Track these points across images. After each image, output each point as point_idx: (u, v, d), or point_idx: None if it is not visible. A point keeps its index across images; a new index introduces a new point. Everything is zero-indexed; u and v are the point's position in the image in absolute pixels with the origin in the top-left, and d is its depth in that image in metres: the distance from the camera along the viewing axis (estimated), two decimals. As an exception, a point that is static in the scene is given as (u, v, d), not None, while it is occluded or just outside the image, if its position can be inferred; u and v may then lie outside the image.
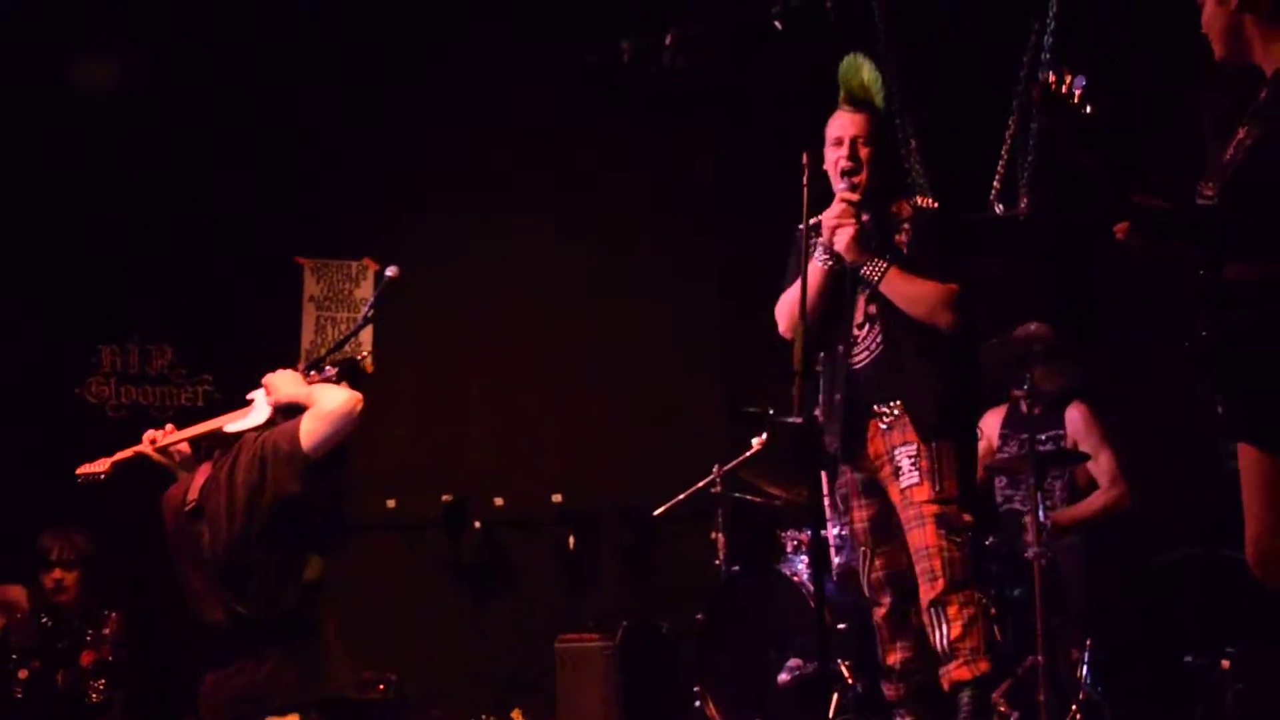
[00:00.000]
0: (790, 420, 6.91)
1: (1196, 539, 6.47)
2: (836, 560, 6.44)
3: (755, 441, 7.28)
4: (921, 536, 5.04)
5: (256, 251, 8.29)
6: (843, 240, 5.15)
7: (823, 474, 6.64)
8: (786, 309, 5.32)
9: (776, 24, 7.59)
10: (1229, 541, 5.16)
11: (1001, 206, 6.93)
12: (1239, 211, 3.72)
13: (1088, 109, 3.88)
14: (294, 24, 8.25)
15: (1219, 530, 6.23)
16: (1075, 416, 6.81)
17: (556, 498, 8.58)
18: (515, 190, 8.66)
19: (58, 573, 6.84)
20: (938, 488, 5.05)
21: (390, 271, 5.69)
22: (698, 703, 6.77)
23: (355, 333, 6.82)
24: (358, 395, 4.86)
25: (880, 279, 5.16)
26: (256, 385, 5.16)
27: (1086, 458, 6.71)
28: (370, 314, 6.01)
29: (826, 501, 6.72)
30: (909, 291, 5.15)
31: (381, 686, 7.49)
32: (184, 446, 5.23)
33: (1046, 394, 6.78)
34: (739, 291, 8.49)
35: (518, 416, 8.66)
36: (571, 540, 8.56)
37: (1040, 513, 5.90)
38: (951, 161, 5.49)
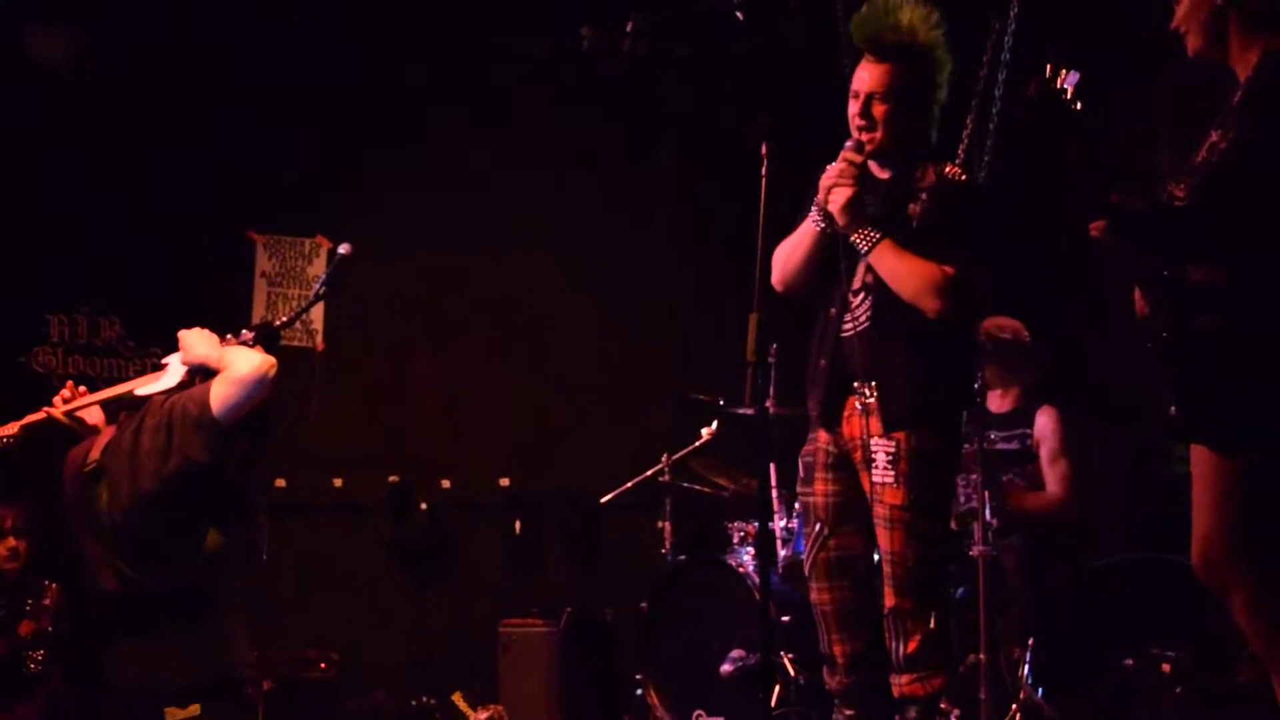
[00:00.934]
0: (741, 411, 6.98)
1: (1138, 542, 6.52)
2: (783, 552, 6.44)
3: (705, 431, 7.29)
4: (889, 540, 4.76)
5: (209, 225, 8.24)
6: (836, 202, 4.76)
7: (771, 466, 6.67)
8: (779, 261, 5.01)
9: (738, 14, 7.58)
10: (1170, 545, 5.20)
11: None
12: (1210, 214, 3.73)
13: (1078, 105, 3.88)
14: (252, 2, 8.19)
15: (1161, 534, 6.28)
16: (1044, 421, 6.83)
17: (504, 482, 8.57)
18: (470, 175, 8.64)
19: (11, 541, 6.77)
20: (913, 495, 4.72)
21: (343, 249, 5.65)
22: (639, 691, 6.78)
23: (306, 309, 6.77)
24: (271, 360, 4.73)
25: (869, 250, 4.75)
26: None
27: (1032, 457, 6.75)
28: (322, 291, 5.97)
29: (775, 494, 6.73)
30: (897, 268, 4.71)
31: (324, 666, 7.46)
32: (96, 411, 5.10)
33: (999, 391, 6.84)
34: (692, 280, 8.53)
35: (467, 399, 8.65)
36: (518, 525, 8.56)
37: (988, 511, 5.90)
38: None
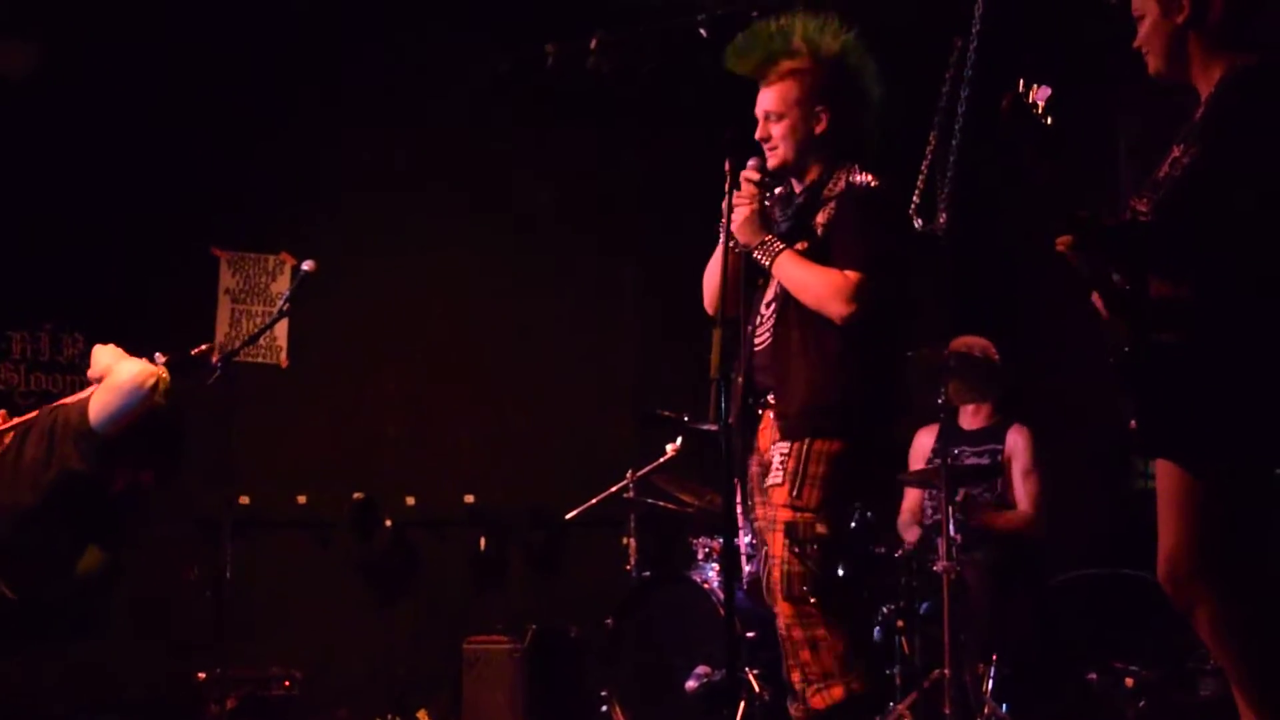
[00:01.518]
0: (705, 427, 6.98)
1: (1102, 557, 6.53)
2: (747, 569, 6.44)
3: (669, 447, 7.29)
4: (774, 542, 4.74)
5: (173, 243, 8.21)
6: (736, 221, 4.79)
7: (735, 482, 6.67)
8: (705, 284, 5.06)
9: (701, 31, 7.60)
10: (1134, 560, 5.22)
11: (920, 222, 6.94)
12: (1173, 228, 3.75)
13: (1049, 120, 3.90)
14: (214, 18, 8.17)
15: (1124, 549, 6.30)
16: (1016, 439, 6.93)
17: (469, 498, 8.57)
18: (433, 192, 8.65)
19: None
20: (795, 493, 4.67)
21: (306, 266, 5.66)
22: (604, 707, 6.76)
23: (270, 326, 6.80)
24: (153, 370, 4.65)
25: (771, 262, 4.76)
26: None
27: (998, 472, 6.79)
28: (286, 308, 5.98)
29: (739, 509, 6.73)
30: (798, 277, 4.71)
31: (287, 684, 7.44)
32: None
33: (971, 408, 6.88)
34: (656, 295, 8.54)
35: (432, 416, 8.64)
36: (482, 541, 8.54)
37: (951, 526, 5.92)
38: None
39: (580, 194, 8.79)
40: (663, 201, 8.45)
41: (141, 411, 4.60)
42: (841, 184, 4.84)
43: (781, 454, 4.74)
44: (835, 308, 4.65)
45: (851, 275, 4.65)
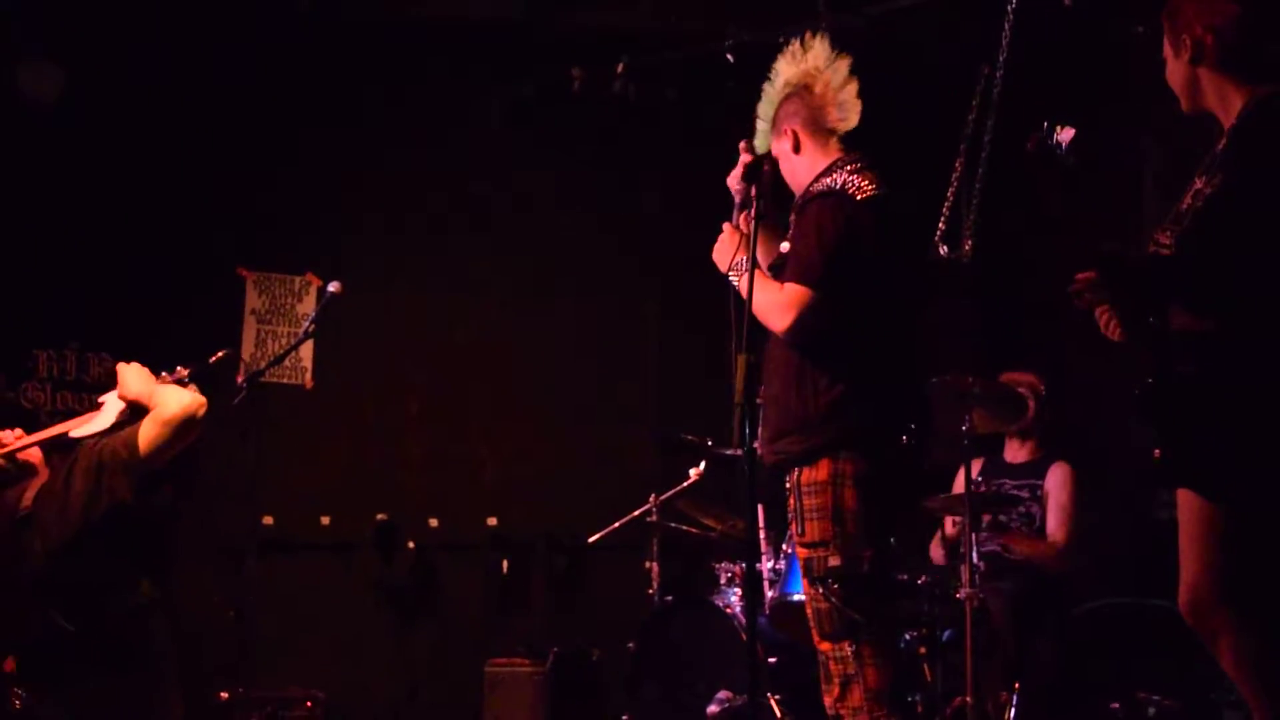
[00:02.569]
0: (729, 452, 6.99)
1: (1125, 587, 6.52)
2: (770, 594, 6.45)
3: (693, 472, 7.29)
4: (803, 579, 4.67)
5: (199, 263, 8.24)
6: (715, 252, 4.83)
7: (759, 507, 6.67)
8: None
9: (728, 56, 7.62)
10: (1157, 590, 5.21)
11: (946, 249, 6.95)
12: (1197, 261, 3.76)
13: (1072, 160, 3.92)
14: (242, 41, 8.22)
15: (1147, 578, 6.29)
16: (1057, 473, 6.93)
17: (491, 521, 8.57)
18: (458, 216, 8.68)
19: None
20: (800, 530, 4.59)
21: (333, 287, 5.68)
22: (626, 731, 6.78)
23: (295, 347, 6.82)
24: (201, 400, 4.66)
25: (738, 282, 4.67)
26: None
27: (1018, 501, 6.79)
28: (311, 329, 6.00)
29: (762, 535, 6.73)
30: (752, 295, 4.52)
31: (309, 704, 7.44)
32: (36, 452, 5.03)
33: (984, 437, 6.87)
34: (679, 319, 8.55)
35: (455, 438, 8.64)
36: (505, 564, 8.55)
37: (974, 554, 5.91)
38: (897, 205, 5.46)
39: (604, 218, 8.82)
40: (686, 226, 8.46)
41: (190, 440, 4.63)
42: (814, 187, 4.75)
43: (787, 489, 4.67)
44: (774, 321, 4.57)
45: (789, 288, 4.55)
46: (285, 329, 8.46)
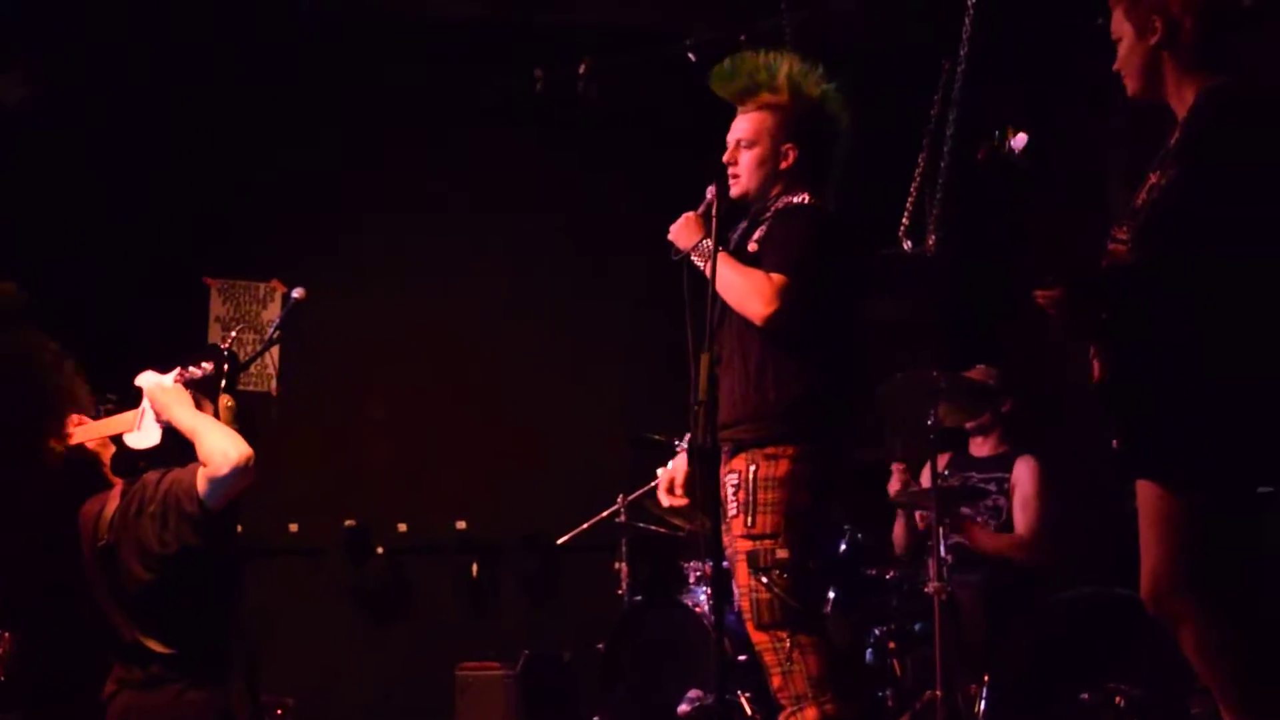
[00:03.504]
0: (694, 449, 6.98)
1: (1095, 578, 6.53)
2: (737, 592, 6.44)
3: (660, 472, 7.28)
4: (738, 573, 4.76)
5: (163, 270, 8.22)
6: (672, 231, 4.96)
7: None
8: None
9: (690, 55, 7.61)
10: (1125, 579, 5.22)
11: (909, 244, 6.95)
12: (1148, 257, 3.77)
13: (1026, 164, 3.93)
14: (206, 48, 8.20)
15: (1116, 568, 6.31)
16: (1022, 468, 6.98)
17: (460, 524, 8.57)
18: (424, 218, 8.69)
19: None
20: (749, 521, 4.69)
21: (296, 294, 5.66)
22: (597, 732, 6.77)
23: (260, 354, 6.80)
24: (247, 451, 4.71)
25: (705, 262, 4.77)
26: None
27: (985, 494, 6.81)
28: (276, 336, 5.99)
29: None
30: (726, 276, 4.67)
31: (279, 711, 7.42)
32: (104, 445, 5.10)
33: (949, 431, 6.89)
34: (646, 318, 8.54)
35: (423, 442, 8.63)
36: (474, 567, 8.54)
37: (942, 547, 5.93)
38: (860, 198, 5.45)
39: (568, 218, 8.83)
40: (651, 225, 8.45)
41: (247, 484, 4.76)
42: (788, 201, 4.92)
43: (732, 484, 4.75)
44: (755, 307, 4.67)
45: (775, 277, 4.68)
46: (250, 336, 8.43)
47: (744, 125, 5.02)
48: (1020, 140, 4.04)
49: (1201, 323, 3.73)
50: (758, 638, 4.68)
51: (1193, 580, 3.75)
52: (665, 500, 5.11)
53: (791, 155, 4.96)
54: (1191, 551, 3.75)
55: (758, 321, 4.67)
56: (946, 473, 7.06)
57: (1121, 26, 4.02)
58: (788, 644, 4.61)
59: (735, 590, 4.85)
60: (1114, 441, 3.89)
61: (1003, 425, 7.12)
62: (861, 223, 5.08)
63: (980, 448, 7.17)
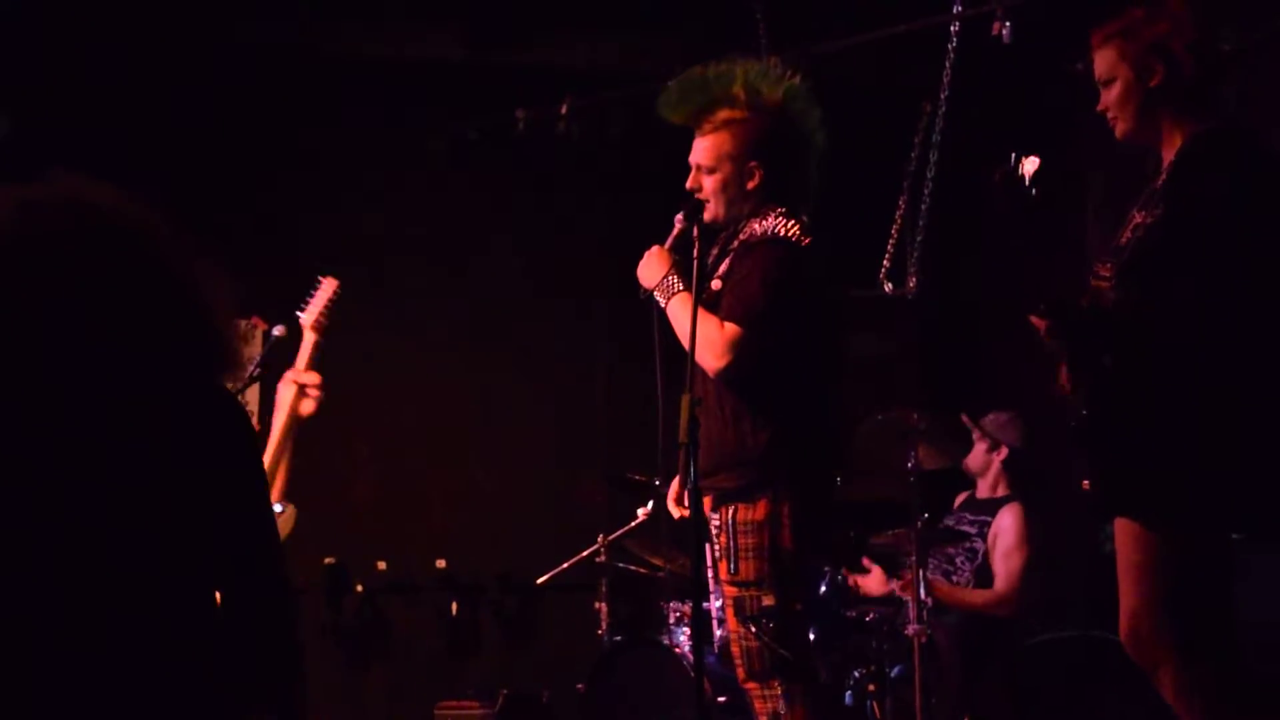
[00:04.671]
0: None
1: (1073, 620, 6.54)
2: (718, 632, 6.42)
3: (641, 512, 7.28)
4: (729, 618, 4.65)
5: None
6: (641, 264, 4.81)
7: (706, 546, 6.65)
8: None
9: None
10: (1105, 623, 5.23)
11: (890, 285, 6.98)
12: (1132, 299, 3.78)
13: (1034, 191, 3.93)
14: (187, 87, 8.21)
15: (1096, 612, 6.32)
16: (1004, 517, 6.93)
17: (440, 563, 8.55)
18: (401, 259, 8.66)
19: None
20: (733, 568, 4.57)
21: (277, 331, 5.68)
22: (576, 773, 6.75)
23: (241, 391, 6.77)
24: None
25: (667, 302, 4.65)
26: None
27: (965, 537, 6.80)
28: (256, 373, 5.98)
29: (709, 573, 6.71)
30: (684, 323, 4.44)
31: (256, 750, 7.39)
32: None
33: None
34: (626, 359, 8.54)
35: (402, 481, 8.62)
36: (454, 606, 8.53)
37: (922, 590, 5.92)
38: (841, 239, 5.43)
39: (548, 259, 8.82)
40: (632, 264, 8.47)
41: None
42: (755, 229, 4.68)
43: (715, 527, 4.64)
44: (707, 360, 4.49)
45: (729, 328, 4.51)
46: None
47: (701, 150, 4.76)
48: (1032, 165, 4.04)
49: (1184, 362, 3.73)
50: (749, 685, 4.59)
51: (1171, 622, 3.75)
52: (676, 512, 4.93)
53: (758, 174, 4.71)
54: (1170, 593, 3.75)
55: (710, 374, 4.52)
56: (954, 512, 7.12)
57: (1116, 68, 3.96)
58: (779, 693, 4.51)
59: (725, 633, 4.78)
60: (1084, 482, 3.89)
61: (1005, 470, 7.09)
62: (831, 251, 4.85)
63: (982, 489, 7.16)
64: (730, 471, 4.59)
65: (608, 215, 8.74)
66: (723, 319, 4.53)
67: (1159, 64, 3.88)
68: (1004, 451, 7.08)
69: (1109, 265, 3.88)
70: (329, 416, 8.55)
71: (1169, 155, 3.94)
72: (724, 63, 4.78)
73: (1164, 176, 3.91)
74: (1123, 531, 3.82)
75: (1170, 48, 3.88)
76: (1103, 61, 4.00)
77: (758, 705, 4.57)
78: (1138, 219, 3.89)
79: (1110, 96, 3.99)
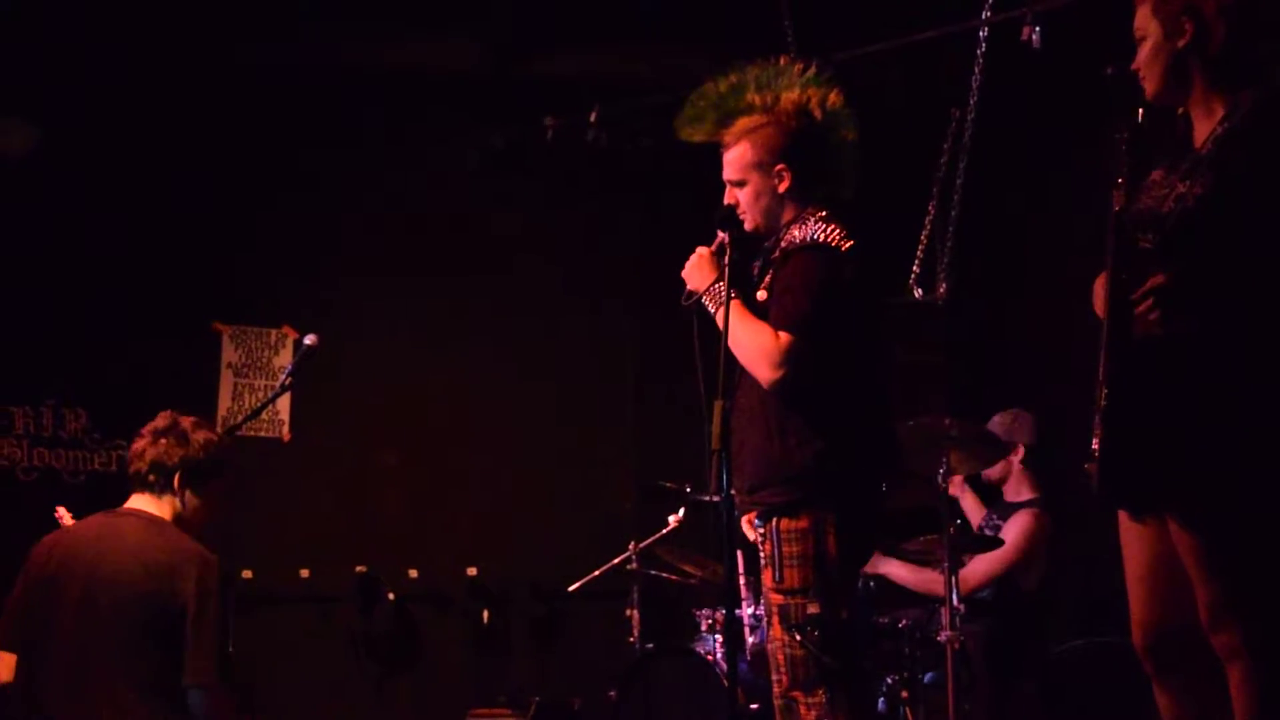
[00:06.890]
0: (707, 498, 6.97)
1: (1105, 627, 6.53)
2: (751, 640, 6.43)
3: (672, 519, 7.28)
4: (772, 625, 4.54)
5: (175, 317, 8.24)
6: (688, 266, 4.67)
7: (739, 553, 6.65)
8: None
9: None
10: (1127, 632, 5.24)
11: (920, 291, 6.98)
12: (1191, 265, 3.61)
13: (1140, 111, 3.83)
14: (216, 97, 8.25)
15: (1124, 617, 6.31)
16: (1016, 521, 6.85)
17: (471, 571, 8.56)
18: (433, 267, 8.69)
19: None
20: (778, 576, 4.47)
21: (309, 340, 5.67)
22: (607, 780, 6.75)
23: (272, 400, 6.80)
24: None
25: (716, 309, 4.51)
26: None
27: (995, 543, 6.76)
28: (288, 382, 5.98)
29: (741, 580, 6.71)
30: (735, 332, 4.40)
31: (290, 759, 7.43)
32: None
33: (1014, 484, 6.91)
34: (657, 365, 8.55)
35: (434, 489, 8.63)
36: (485, 614, 8.54)
37: (954, 596, 5.91)
38: (870, 246, 5.39)
39: (580, 264, 8.84)
40: (662, 272, 8.47)
41: None
42: (794, 236, 4.59)
43: (761, 534, 4.57)
44: (762, 371, 4.44)
45: (783, 337, 4.42)
46: (262, 382, 8.46)
47: (729, 165, 4.70)
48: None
49: (1242, 338, 3.59)
50: (794, 695, 4.48)
51: (1242, 614, 3.57)
52: (752, 535, 4.85)
53: (788, 176, 4.64)
54: (1239, 587, 3.58)
55: (765, 385, 4.46)
56: (987, 516, 7.12)
57: (1148, 24, 3.86)
58: (824, 703, 4.43)
59: (769, 640, 4.73)
60: (1086, 466, 3.72)
61: (1026, 470, 7.03)
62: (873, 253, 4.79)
63: (1008, 493, 7.10)
64: (776, 488, 4.51)
65: (638, 223, 8.76)
66: (776, 327, 4.45)
67: (1190, 24, 3.77)
68: (1020, 450, 7.01)
69: (1151, 236, 3.72)
70: (361, 425, 8.61)
71: (1204, 122, 3.82)
72: (733, 73, 4.74)
73: (1210, 145, 3.76)
74: (1129, 535, 3.76)
75: (1202, 10, 3.77)
76: (1139, 18, 3.89)
77: (802, 712, 4.48)
78: (1180, 189, 3.72)
79: (1142, 54, 3.87)
